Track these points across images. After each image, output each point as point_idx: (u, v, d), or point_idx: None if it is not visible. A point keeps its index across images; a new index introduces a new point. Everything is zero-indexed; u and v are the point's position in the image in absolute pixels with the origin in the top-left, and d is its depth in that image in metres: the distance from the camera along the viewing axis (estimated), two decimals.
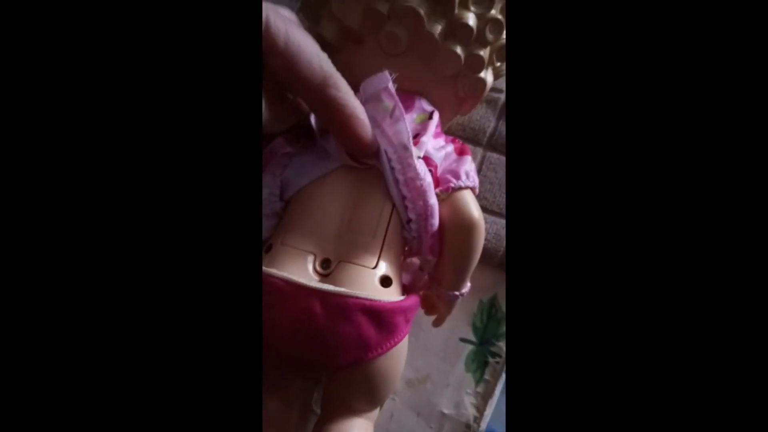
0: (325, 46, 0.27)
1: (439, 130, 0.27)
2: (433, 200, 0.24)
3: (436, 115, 0.26)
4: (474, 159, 0.34)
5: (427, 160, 0.24)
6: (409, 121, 0.25)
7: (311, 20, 0.28)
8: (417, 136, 0.25)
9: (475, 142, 0.35)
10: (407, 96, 0.26)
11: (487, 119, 0.35)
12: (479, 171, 0.34)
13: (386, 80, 0.23)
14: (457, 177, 0.24)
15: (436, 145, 0.25)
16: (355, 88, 0.25)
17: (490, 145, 0.35)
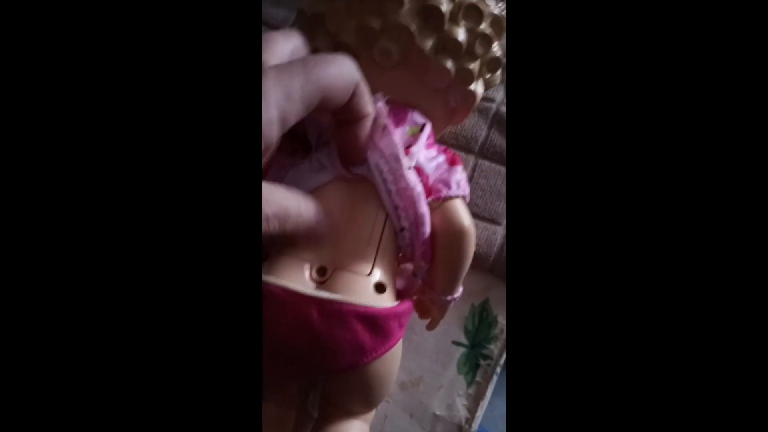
0: None
1: (431, 141, 0.27)
2: (424, 209, 0.25)
3: (427, 127, 0.27)
4: (466, 166, 0.35)
5: (418, 170, 0.25)
6: (402, 133, 0.26)
7: (306, 34, 0.29)
8: (408, 147, 0.26)
9: (468, 150, 0.36)
10: (400, 109, 0.27)
11: (479, 128, 0.36)
12: (471, 178, 0.35)
13: (378, 100, 0.24)
14: (448, 186, 0.25)
15: (428, 155, 0.26)
16: None
17: (482, 153, 0.36)
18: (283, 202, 0.21)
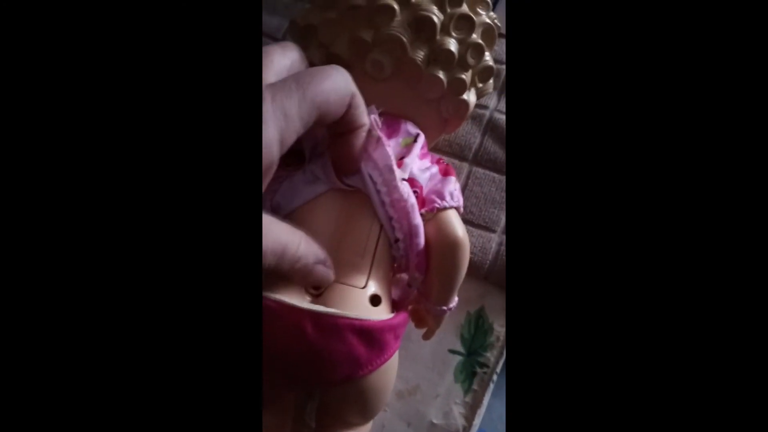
0: None
1: (424, 151, 0.28)
2: (418, 220, 0.25)
3: (420, 138, 0.27)
4: (460, 174, 0.35)
5: (412, 181, 0.25)
6: (395, 144, 0.26)
7: (299, 47, 0.29)
8: (402, 159, 0.26)
9: (461, 158, 0.36)
10: (394, 120, 0.27)
11: (472, 135, 0.36)
12: (465, 186, 0.35)
13: (372, 112, 0.24)
14: (442, 198, 0.25)
15: (421, 166, 0.26)
16: None
17: (476, 161, 0.36)
18: (283, 239, 0.21)
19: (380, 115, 0.25)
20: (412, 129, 0.27)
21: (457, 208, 0.26)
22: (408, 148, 0.26)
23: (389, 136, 0.26)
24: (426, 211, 0.25)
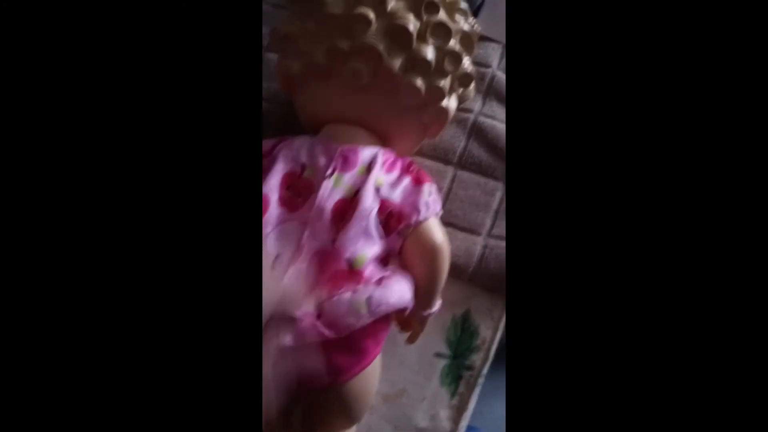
0: (292, 79, 0.28)
1: (390, 162, 0.27)
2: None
3: (380, 155, 0.27)
4: (444, 178, 0.35)
5: (384, 203, 0.25)
6: (351, 176, 0.26)
7: (280, 55, 0.30)
8: (359, 191, 0.25)
9: (446, 162, 0.36)
10: (350, 152, 0.27)
11: (457, 139, 0.36)
12: (450, 190, 0.35)
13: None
14: (418, 211, 0.25)
15: (390, 180, 0.26)
16: (322, 120, 0.26)
17: (460, 164, 0.36)
18: None
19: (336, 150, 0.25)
20: (368, 153, 0.27)
21: (435, 215, 0.26)
22: (363, 177, 0.26)
23: (344, 171, 0.26)
24: (403, 227, 0.25)
